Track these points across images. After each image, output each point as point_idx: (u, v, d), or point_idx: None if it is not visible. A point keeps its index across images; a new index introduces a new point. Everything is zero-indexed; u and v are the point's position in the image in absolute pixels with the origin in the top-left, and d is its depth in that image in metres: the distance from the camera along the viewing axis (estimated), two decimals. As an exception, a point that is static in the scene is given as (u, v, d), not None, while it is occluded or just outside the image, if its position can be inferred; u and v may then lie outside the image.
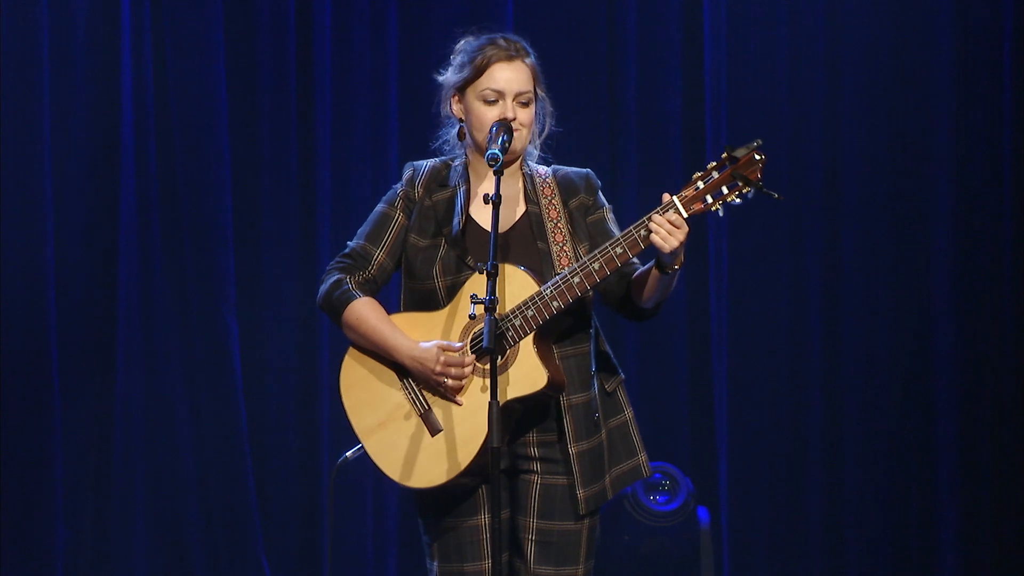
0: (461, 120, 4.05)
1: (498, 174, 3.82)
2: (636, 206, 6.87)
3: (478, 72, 3.99)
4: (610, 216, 4.07)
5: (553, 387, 3.87)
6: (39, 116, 6.46)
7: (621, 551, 6.40)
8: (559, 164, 4.13)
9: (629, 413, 4.04)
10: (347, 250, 4.06)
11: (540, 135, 4.08)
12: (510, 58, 4.00)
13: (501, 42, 4.02)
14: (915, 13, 6.90)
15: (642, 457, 4.03)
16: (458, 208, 4.00)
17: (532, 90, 4.00)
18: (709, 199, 3.80)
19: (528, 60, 4.02)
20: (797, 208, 6.91)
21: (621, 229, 3.98)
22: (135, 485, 6.54)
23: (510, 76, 3.98)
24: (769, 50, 6.95)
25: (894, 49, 6.92)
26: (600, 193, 4.08)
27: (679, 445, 6.92)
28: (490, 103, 3.98)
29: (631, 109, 7.00)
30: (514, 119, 3.96)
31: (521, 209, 4.03)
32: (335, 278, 4.02)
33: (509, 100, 3.97)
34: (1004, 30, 6.85)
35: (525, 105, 3.99)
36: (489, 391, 3.78)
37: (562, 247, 3.96)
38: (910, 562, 6.87)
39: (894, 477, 6.87)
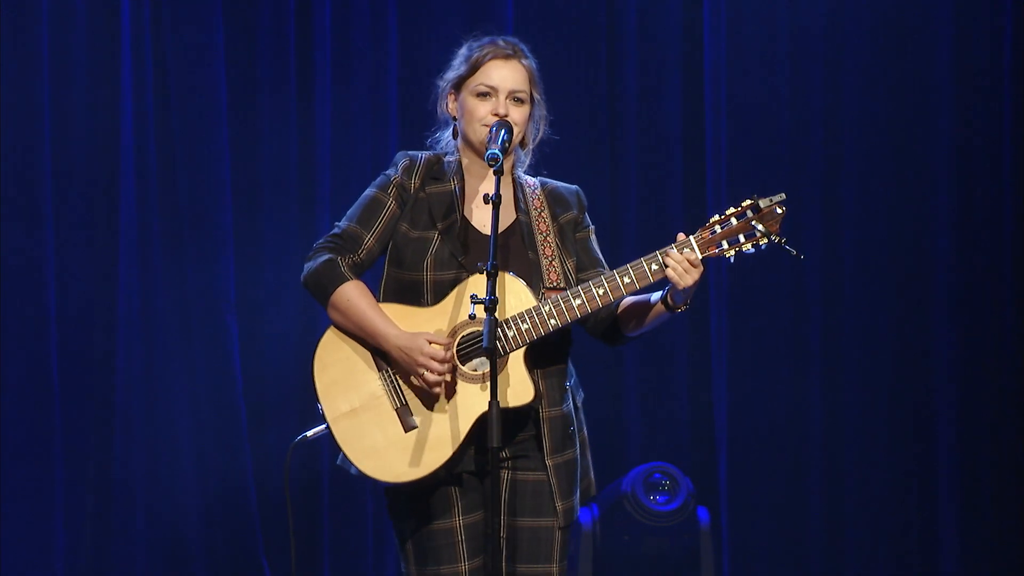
0: (455, 118, 4.05)
1: (498, 174, 3.82)
2: (636, 207, 6.88)
3: (473, 68, 4.01)
4: (594, 238, 4.07)
5: (537, 401, 3.87)
6: (39, 116, 6.46)
7: (621, 551, 6.40)
8: (559, 165, 4.14)
9: (584, 433, 4.04)
10: (337, 231, 4.02)
11: (534, 140, 4.07)
12: (507, 57, 4.01)
13: (500, 42, 4.03)
14: (915, 13, 6.90)
15: (590, 478, 4.04)
16: (455, 204, 3.99)
17: (527, 91, 4.00)
18: (725, 244, 3.81)
19: (526, 62, 4.03)
20: (797, 209, 6.91)
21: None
22: (135, 485, 6.54)
23: (505, 73, 3.99)
24: (769, 50, 6.95)
25: (894, 49, 6.92)
26: (587, 213, 4.09)
27: (679, 445, 6.92)
28: (482, 97, 3.99)
29: (631, 111, 7.00)
30: (506, 115, 3.96)
31: (512, 216, 4.02)
32: (326, 257, 3.97)
33: (502, 96, 3.98)
34: (1004, 30, 6.86)
35: (519, 104, 3.99)
36: (472, 395, 3.80)
37: (551, 261, 3.95)
38: (910, 562, 6.87)
39: (894, 477, 6.88)
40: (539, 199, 4.02)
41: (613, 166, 6.95)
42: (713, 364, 6.92)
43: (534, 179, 4.09)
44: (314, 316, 6.71)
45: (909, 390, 6.90)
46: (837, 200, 6.93)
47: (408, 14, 6.89)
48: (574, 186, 4.11)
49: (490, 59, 4.00)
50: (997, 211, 6.87)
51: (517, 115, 3.98)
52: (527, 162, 4.10)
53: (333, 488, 6.76)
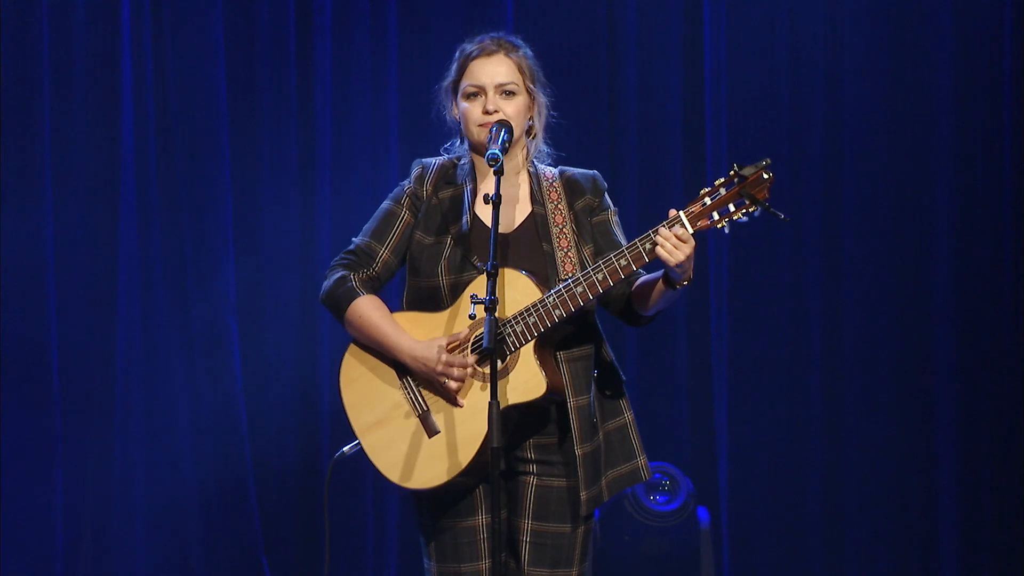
0: (460, 122, 4.07)
1: (498, 174, 3.82)
2: (636, 206, 6.88)
3: (460, 71, 4.04)
4: (615, 219, 4.07)
5: (552, 394, 3.87)
6: (39, 116, 6.46)
7: (621, 551, 6.40)
8: (562, 164, 4.14)
9: (629, 416, 4.04)
10: (351, 247, 4.07)
11: (541, 130, 4.08)
12: (490, 53, 4.03)
13: (486, 40, 4.06)
14: (915, 14, 6.90)
15: (641, 460, 4.03)
16: (465, 206, 4.01)
17: (517, 82, 4.01)
18: (715, 216, 3.80)
19: (514, 55, 4.04)
20: (797, 209, 6.91)
21: (626, 233, 4.00)
22: (135, 485, 6.54)
23: (489, 69, 4.00)
24: (769, 51, 6.95)
25: (894, 49, 6.92)
26: (607, 196, 4.09)
27: (679, 445, 6.92)
28: (472, 98, 4.01)
29: (631, 109, 7.00)
30: (496, 111, 3.97)
31: (527, 209, 4.03)
32: (339, 275, 4.03)
33: (490, 92, 3.99)
34: (1004, 30, 6.86)
35: (509, 97, 4.00)
36: (487, 394, 3.78)
37: (567, 252, 3.96)
38: (910, 562, 6.87)
39: (894, 477, 6.87)
40: (556, 191, 4.04)
41: (613, 166, 6.95)
42: (713, 364, 6.92)
43: (553, 169, 4.10)
44: (314, 316, 6.71)
45: (909, 390, 6.89)
46: (837, 200, 6.93)
47: (408, 14, 6.89)
48: (592, 171, 4.12)
49: (474, 58, 4.02)
50: (997, 211, 6.86)
51: (510, 108, 3.99)
52: (544, 151, 4.10)
53: (333, 488, 6.74)
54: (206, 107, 6.67)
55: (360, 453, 4.00)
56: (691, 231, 3.80)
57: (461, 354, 3.88)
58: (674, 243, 3.79)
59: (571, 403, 3.90)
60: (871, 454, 6.88)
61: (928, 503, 6.87)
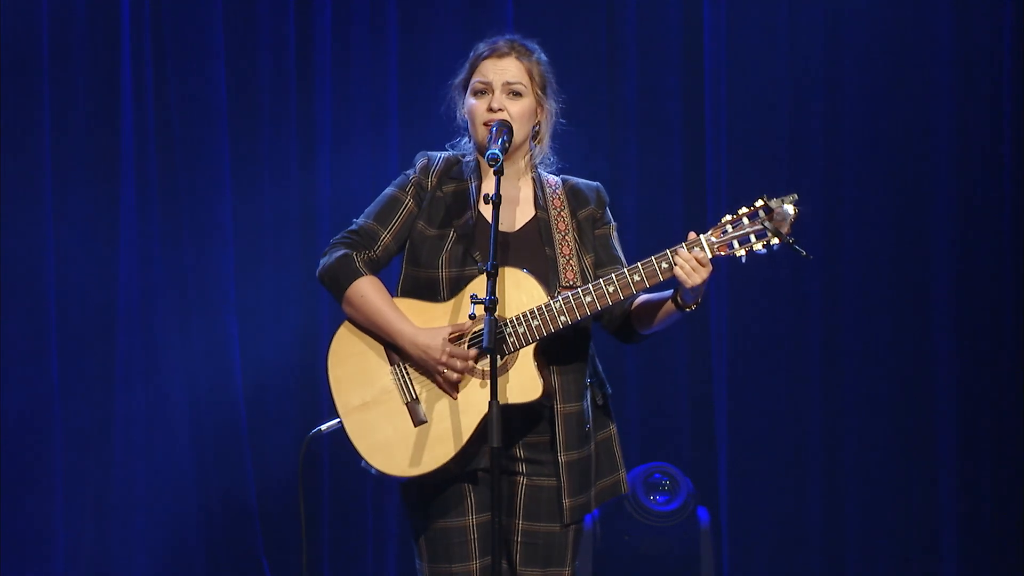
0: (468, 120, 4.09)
1: (498, 174, 3.83)
2: (636, 207, 6.88)
3: (471, 69, 4.05)
4: (615, 234, 4.09)
5: (547, 398, 3.88)
6: (39, 115, 6.45)
7: (621, 551, 6.40)
8: (563, 171, 4.14)
9: (613, 428, 4.05)
10: (354, 227, 4.05)
11: (547, 137, 4.09)
12: (502, 54, 4.04)
13: (500, 43, 4.07)
14: (915, 13, 6.91)
15: (621, 473, 4.04)
16: (471, 202, 4.01)
17: (524, 84, 4.01)
18: (736, 244, 3.81)
19: (525, 59, 4.04)
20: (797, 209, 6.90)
21: (625, 237, 4.01)
22: (135, 485, 6.54)
23: (499, 68, 4.01)
24: (769, 51, 6.96)
25: (894, 50, 6.93)
26: (608, 209, 4.10)
27: (679, 445, 6.92)
28: (480, 95, 4.02)
29: (631, 109, 7.00)
30: (500, 109, 3.97)
31: (530, 213, 4.04)
32: (341, 252, 4.01)
33: (497, 90, 4.00)
34: (1004, 30, 6.86)
35: (516, 97, 4.01)
36: (482, 392, 3.79)
37: (569, 260, 3.97)
38: (910, 562, 6.87)
39: (894, 477, 6.88)
40: (559, 197, 4.04)
41: (613, 166, 6.95)
42: (713, 364, 6.92)
43: (556, 177, 4.11)
44: (315, 316, 6.71)
45: (909, 389, 6.90)
46: (837, 200, 6.93)
47: (408, 14, 6.89)
48: (595, 182, 4.13)
49: (485, 57, 4.04)
50: (997, 212, 6.87)
51: (514, 109, 4.00)
52: (550, 159, 4.11)
53: (333, 487, 6.75)
54: (206, 107, 6.67)
55: (340, 432, 3.96)
56: (710, 256, 3.79)
57: (462, 347, 3.87)
58: (693, 266, 3.80)
59: (558, 409, 3.90)
60: (871, 454, 6.88)
61: (928, 503, 6.87)
